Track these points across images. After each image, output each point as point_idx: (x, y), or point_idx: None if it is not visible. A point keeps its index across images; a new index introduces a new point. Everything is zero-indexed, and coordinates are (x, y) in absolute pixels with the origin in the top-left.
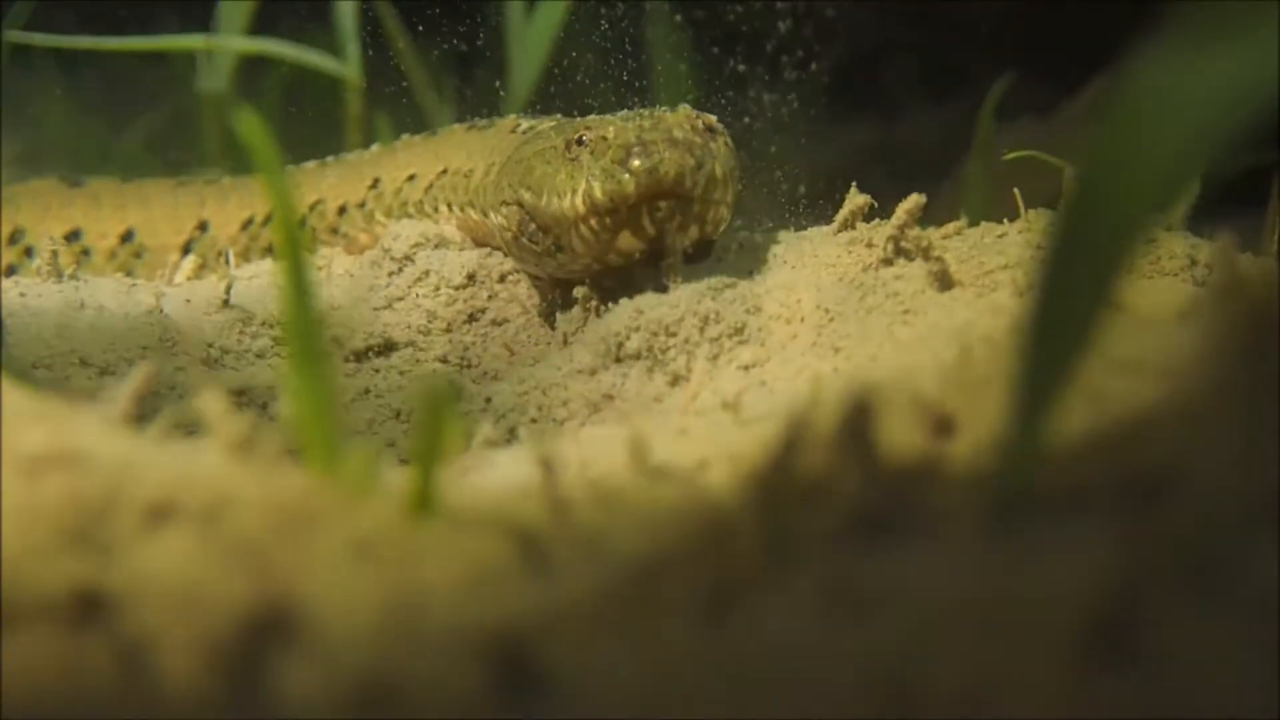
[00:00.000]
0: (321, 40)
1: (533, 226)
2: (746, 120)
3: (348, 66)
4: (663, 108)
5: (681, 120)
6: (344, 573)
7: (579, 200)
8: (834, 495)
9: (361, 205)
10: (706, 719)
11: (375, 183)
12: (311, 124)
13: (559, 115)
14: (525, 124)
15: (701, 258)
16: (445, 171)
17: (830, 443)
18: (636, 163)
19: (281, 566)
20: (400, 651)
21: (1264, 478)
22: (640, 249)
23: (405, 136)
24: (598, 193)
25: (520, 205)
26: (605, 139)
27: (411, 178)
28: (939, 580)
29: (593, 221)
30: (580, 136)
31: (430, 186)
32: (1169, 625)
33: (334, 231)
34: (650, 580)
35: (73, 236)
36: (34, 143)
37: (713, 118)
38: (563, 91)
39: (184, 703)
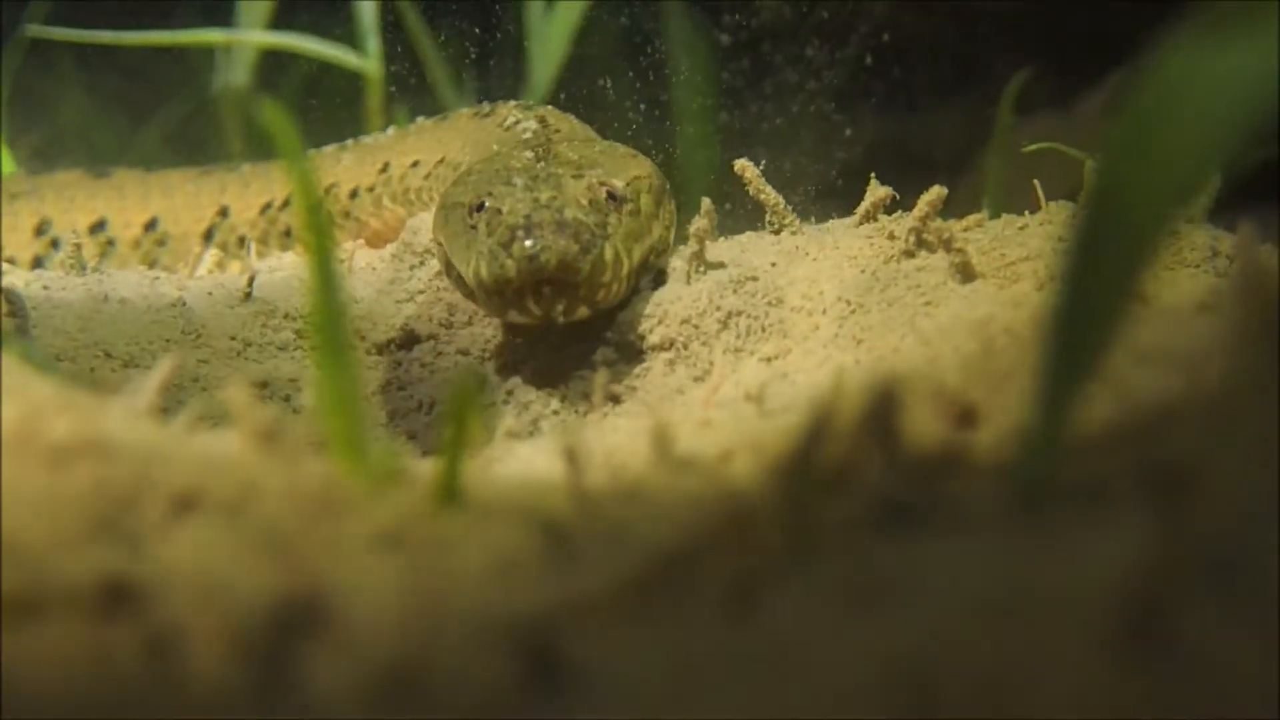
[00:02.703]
0: (341, 35)
1: (454, 272)
2: (764, 115)
3: (368, 61)
4: (575, 171)
5: (581, 193)
6: (370, 562)
7: (469, 273)
8: (858, 484)
9: (371, 190)
10: (729, 709)
11: (385, 167)
12: (331, 119)
13: (548, 107)
14: (515, 116)
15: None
16: (443, 161)
17: (854, 432)
18: (519, 247)
19: (308, 556)
20: (426, 640)
21: None
22: (530, 322)
23: (420, 119)
24: (483, 273)
25: (442, 247)
26: (499, 212)
27: (416, 164)
28: (963, 570)
29: (481, 295)
30: (482, 202)
31: (429, 175)
32: (1194, 615)
33: (346, 215)
34: (675, 570)
35: (98, 227)
36: (53, 137)
37: (619, 183)
38: (582, 86)
39: (211, 692)
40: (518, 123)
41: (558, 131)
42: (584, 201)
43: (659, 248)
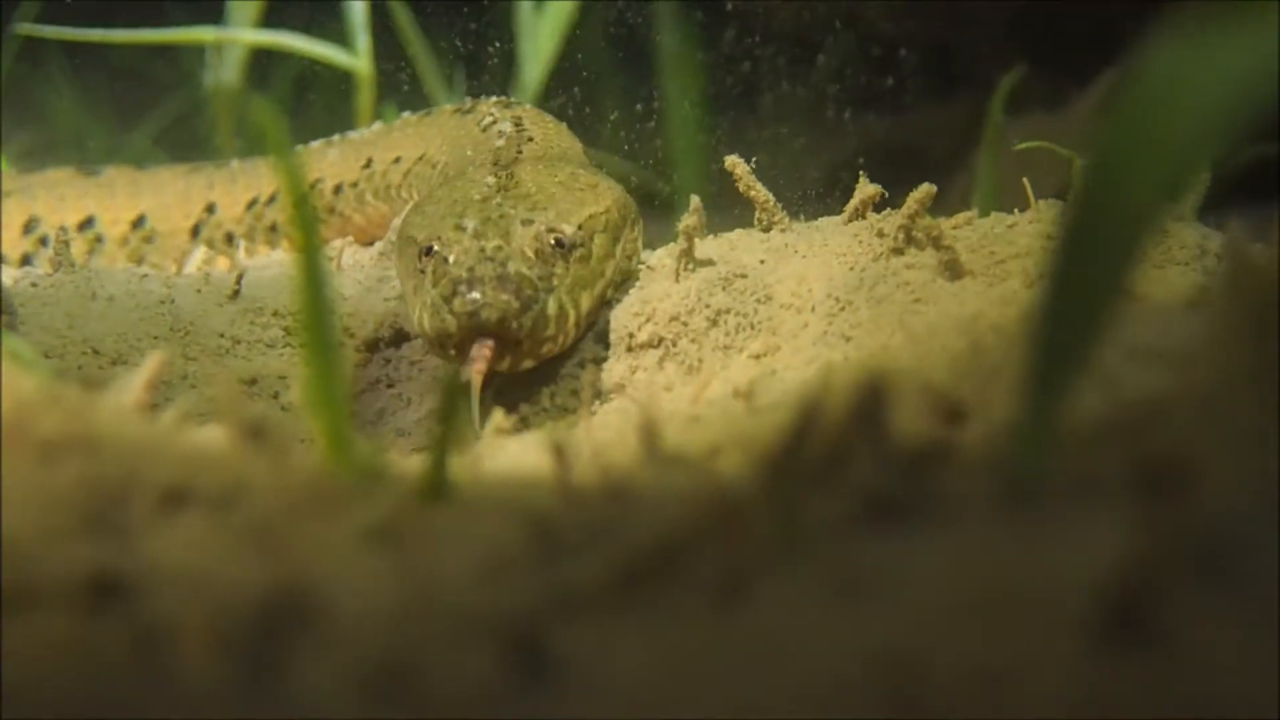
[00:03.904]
0: (331, 33)
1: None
2: (755, 114)
3: (358, 59)
4: (527, 212)
5: (527, 243)
6: (358, 557)
7: (415, 321)
8: (845, 479)
9: (355, 185)
10: (717, 701)
11: (369, 163)
12: (321, 117)
13: (526, 106)
14: (492, 116)
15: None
16: (423, 158)
17: (842, 427)
18: (460, 302)
19: (296, 551)
20: (415, 635)
21: (1274, 462)
22: None
23: (405, 115)
24: (425, 324)
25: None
26: (445, 262)
27: (398, 160)
28: (950, 565)
29: (425, 344)
30: (430, 246)
31: (409, 172)
32: (1182, 609)
33: (331, 211)
34: (662, 564)
35: (86, 224)
36: (42, 137)
37: (569, 228)
38: (573, 85)
39: (199, 687)
40: (494, 123)
41: (530, 140)
42: (530, 253)
43: (617, 280)
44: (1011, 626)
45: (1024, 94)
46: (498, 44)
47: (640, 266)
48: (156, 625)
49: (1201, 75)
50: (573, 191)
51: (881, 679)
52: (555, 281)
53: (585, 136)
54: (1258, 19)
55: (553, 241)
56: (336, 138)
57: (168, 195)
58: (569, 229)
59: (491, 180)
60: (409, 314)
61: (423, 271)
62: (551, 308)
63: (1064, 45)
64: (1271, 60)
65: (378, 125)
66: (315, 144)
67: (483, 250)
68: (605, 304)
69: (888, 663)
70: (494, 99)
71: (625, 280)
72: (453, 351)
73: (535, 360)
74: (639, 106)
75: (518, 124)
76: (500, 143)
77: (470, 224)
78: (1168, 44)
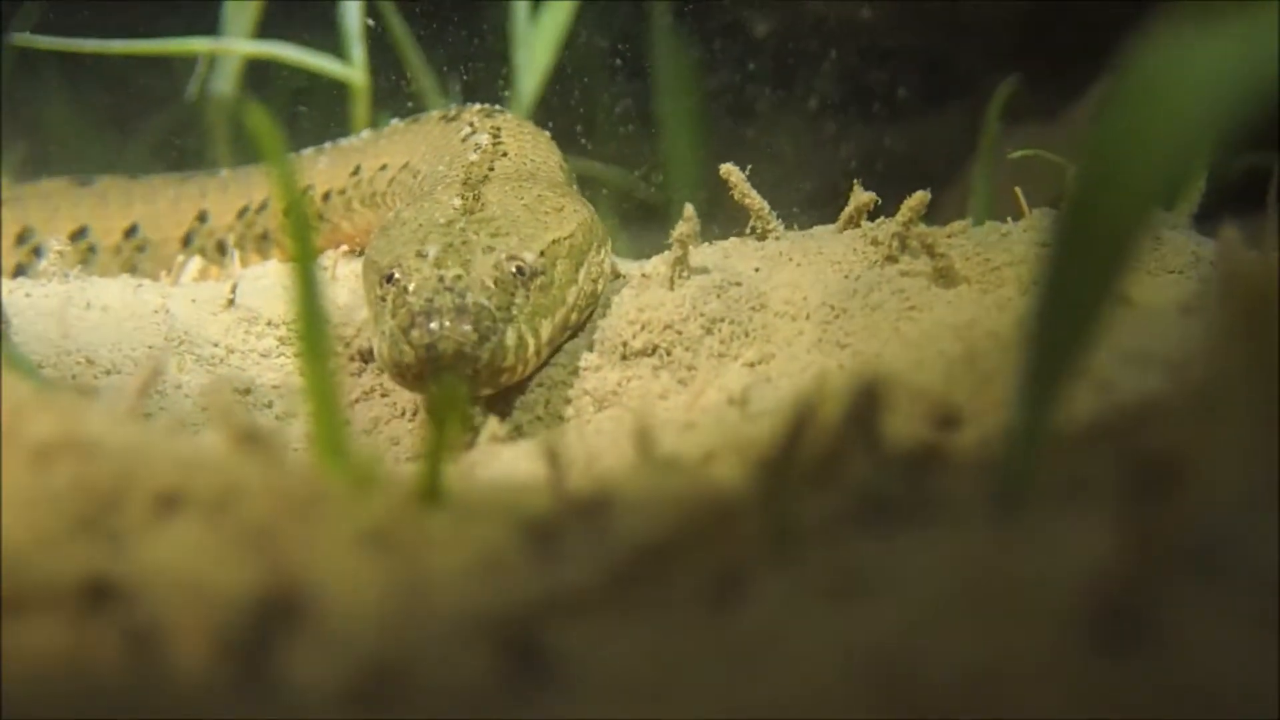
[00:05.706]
0: (327, 43)
1: None
2: (751, 124)
3: (353, 69)
4: (489, 239)
5: (487, 272)
6: (352, 560)
7: (375, 349)
8: (840, 481)
9: (343, 193)
10: (711, 700)
11: (356, 170)
12: (317, 127)
13: (507, 115)
14: (471, 126)
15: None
16: (406, 166)
17: (837, 430)
18: (417, 334)
19: (290, 554)
20: (408, 636)
21: (1266, 465)
22: None
23: (394, 122)
24: (384, 353)
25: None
26: (405, 291)
27: (383, 167)
28: (943, 565)
29: (385, 372)
30: (391, 274)
31: (393, 180)
32: (1173, 609)
33: (320, 219)
34: (656, 566)
35: (79, 235)
36: (39, 147)
37: (530, 255)
38: (568, 95)
39: (193, 690)
40: (472, 133)
41: (504, 155)
42: (489, 282)
43: (582, 305)
44: (1002, 626)
45: (1020, 104)
46: (494, 54)
47: (620, 277)
48: (150, 629)
49: (1192, 79)
50: (538, 215)
51: (873, 678)
52: (515, 311)
53: (580, 146)
54: (1248, 21)
55: (513, 269)
56: (328, 145)
57: (159, 204)
58: (530, 256)
59: (458, 202)
60: (372, 339)
61: (383, 299)
62: (510, 338)
63: (1060, 56)
64: (1263, 64)
65: (366, 132)
66: (307, 151)
67: (441, 280)
68: (570, 330)
69: (879, 661)
70: (478, 106)
71: (592, 304)
72: (412, 381)
73: (494, 389)
74: (634, 115)
75: (495, 136)
76: (474, 157)
77: (431, 251)
78: (1158, 46)
